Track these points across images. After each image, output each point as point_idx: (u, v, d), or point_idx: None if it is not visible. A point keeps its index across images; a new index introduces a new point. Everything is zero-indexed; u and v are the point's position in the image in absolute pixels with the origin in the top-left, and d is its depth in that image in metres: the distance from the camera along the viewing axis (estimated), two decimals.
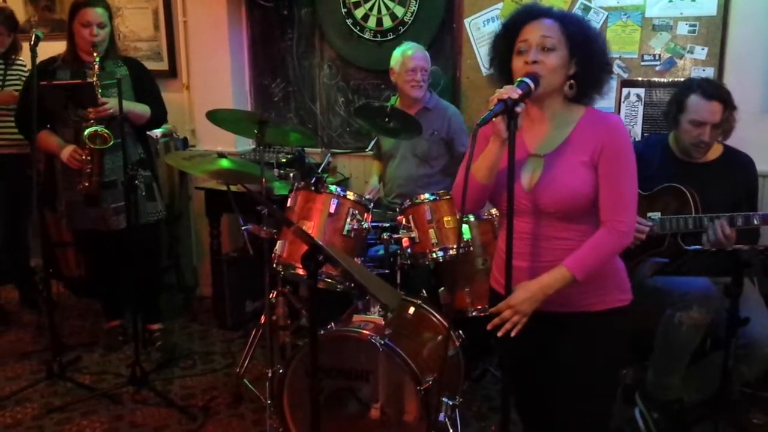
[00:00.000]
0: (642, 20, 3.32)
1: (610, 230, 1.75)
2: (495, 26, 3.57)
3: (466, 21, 3.64)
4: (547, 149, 1.82)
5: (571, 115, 1.82)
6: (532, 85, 1.69)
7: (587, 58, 1.76)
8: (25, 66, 3.83)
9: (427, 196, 2.73)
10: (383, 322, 2.51)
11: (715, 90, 2.59)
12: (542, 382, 1.96)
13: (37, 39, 3.03)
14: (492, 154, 1.78)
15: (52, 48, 3.36)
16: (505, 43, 1.82)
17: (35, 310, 4.02)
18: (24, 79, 3.75)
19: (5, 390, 3.20)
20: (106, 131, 3.10)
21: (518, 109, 1.67)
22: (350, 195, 2.67)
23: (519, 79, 1.72)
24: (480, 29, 3.62)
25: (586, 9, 3.37)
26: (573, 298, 1.81)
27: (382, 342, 2.35)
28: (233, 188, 3.13)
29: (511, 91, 1.66)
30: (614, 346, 1.88)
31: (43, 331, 3.73)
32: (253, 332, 3.13)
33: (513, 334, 1.76)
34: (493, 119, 1.67)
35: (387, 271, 2.79)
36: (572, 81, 1.78)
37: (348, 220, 2.63)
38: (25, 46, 3.19)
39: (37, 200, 3.09)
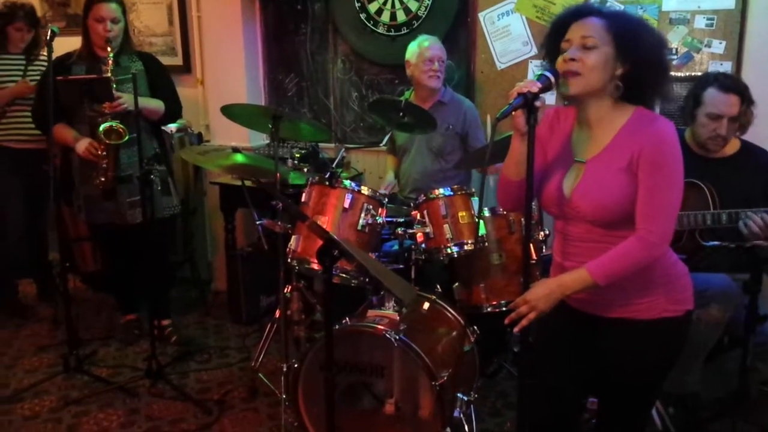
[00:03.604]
0: (659, 14, 3.28)
1: (639, 239, 1.68)
2: (509, 20, 3.55)
3: (481, 15, 3.62)
4: (589, 154, 1.78)
5: (618, 117, 1.75)
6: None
7: (638, 58, 1.70)
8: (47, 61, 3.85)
9: (442, 191, 2.72)
10: (398, 318, 2.51)
11: (732, 83, 2.56)
12: (573, 384, 1.95)
13: (53, 34, 3.05)
14: (515, 150, 1.78)
15: (69, 43, 3.38)
16: (553, 42, 1.79)
17: (52, 304, 4.05)
18: None
19: (23, 383, 3.23)
20: (121, 126, 3.12)
21: (538, 103, 1.66)
22: (365, 190, 2.67)
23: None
24: (494, 23, 3.60)
25: (603, 2, 3.34)
26: (615, 303, 1.79)
27: (397, 337, 2.35)
28: (248, 183, 3.14)
29: (531, 85, 1.65)
30: (657, 357, 1.83)
31: (59, 325, 3.77)
32: (268, 327, 3.14)
33: (517, 328, 1.76)
34: (513, 113, 1.67)
35: (401, 266, 2.79)
36: (619, 82, 1.72)
37: (362, 215, 2.62)
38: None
39: (54, 195, 3.12)
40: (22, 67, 3.77)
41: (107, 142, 3.12)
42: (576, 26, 1.73)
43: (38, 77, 3.75)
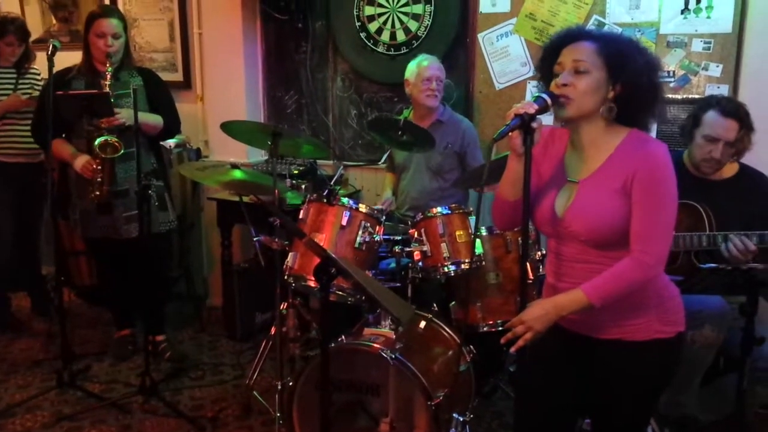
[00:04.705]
0: (656, 37, 3.31)
1: (634, 260, 1.68)
2: (508, 41, 3.58)
3: (480, 36, 3.65)
4: (582, 175, 1.79)
5: (611, 139, 1.76)
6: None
7: (630, 80, 1.71)
8: (38, 74, 3.86)
9: (439, 209, 2.72)
10: (394, 336, 2.50)
11: (733, 108, 2.57)
12: (567, 405, 1.95)
13: (55, 49, 3.07)
14: (512, 171, 1.79)
15: (71, 58, 3.40)
16: (547, 65, 1.80)
17: (46, 318, 4.03)
18: (36, 87, 3.78)
19: (15, 398, 3.21)
20: (116, 140, 3.12)
21: (534, 124, 1.67)
22: (362, 207, 2.67)
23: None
24: (493, 44, 3.62)
25: (600, 25, 3.37)
26: (607, 324, 1.79)
27: (393, 356, 2.34)
28: (245, 199, 3.14)
29: (528, 106, 1.66)
30: (649, 378, 1.83)
31: (53, 340, 3.75)
32: (263, 344, 3.13)
33: (513, 348, 1.76)
34: (510, 134, 1.68)
35: (398, 284, 2.78)
36: (612, 104, 1.73)
37: (360, 232, 2.63)
38: (43, 56, 3.22)
39: (51, 209, 3.12)
40: (14, 81, 3.77)
41: (103, 156, 3.13)
42: (568, 50, 1.75)
43: (29, 90, 3.77)
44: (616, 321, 1.78)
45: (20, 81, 3.79)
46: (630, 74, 1.70)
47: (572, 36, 1.77)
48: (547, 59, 1.80)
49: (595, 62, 1.71)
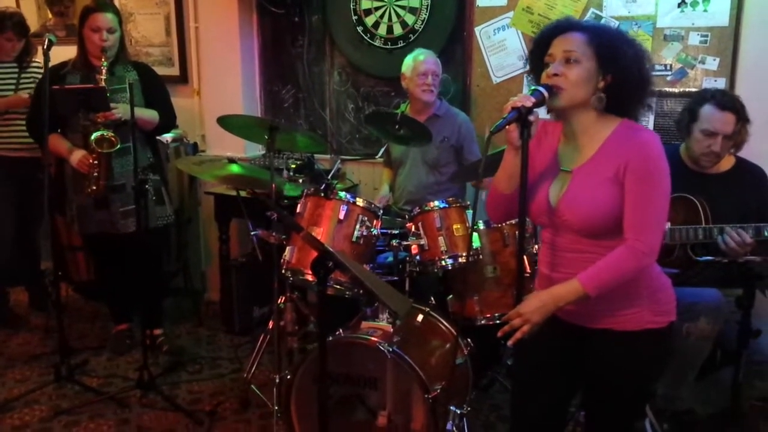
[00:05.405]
0: (653, 30, 3.31)
1: (628, 249, 1.69)
2: (505, 35, 3.58)
3: (477, 29, 3.64)
4: (575, 164, 1.80)
5: (603, 129, 1.78)
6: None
7: (619, 70, 1.72)
8: (41, 68, 3.83)
9: (436, 203, 2.72)
10: (391, 329, 2.51)
11: (729, 101, 2.58)
12: (561, 396, 1.96)
13: (50, 43, 3.06)
14: (508, 164, 1.80)
15: (67, 52, 3.39)
16: (537, 57, 1.81)
17: (44, 313, 4.02)
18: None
19: (13, 392, 3.21)
20: (113, 135, 3.12)
21: (531, 117, 1.68)
22: (360, 201, 2.67)
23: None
24: (490, 37, 3.62)
25: (597, 18, 3.37)
26: (599, 314, 1.80)
27: (391, 349, 2.35)
28: (243, 193, 3.14)
29: (525, 99, 1.67)
30: (642, 368, 1.84)
31: (51, 334, 3.74)
32: (261, 338, 3.13)
33: (511, 341, 1.76)
34: (507, 127, 1.68)
35: (396, 278, 2.79)
36: (602, 94, 1.74)
37: (357, 226, 2.62)
38: (39, 51, 3.21)
39: (47, 204, 3.11)
40: (15, 75, 3.76)
41: (99, 150, 3.13)
42: (558, 41, 1.76)
43: (32, 84, 3.75)
44: (610, 311, 1.79)
45: (22, 75, 3.78)
46: (620, 65, 1.72)
47: (562, 27, 1.79)
48: (538, 51, 1.81)
49: (586, 52, 1.72)
